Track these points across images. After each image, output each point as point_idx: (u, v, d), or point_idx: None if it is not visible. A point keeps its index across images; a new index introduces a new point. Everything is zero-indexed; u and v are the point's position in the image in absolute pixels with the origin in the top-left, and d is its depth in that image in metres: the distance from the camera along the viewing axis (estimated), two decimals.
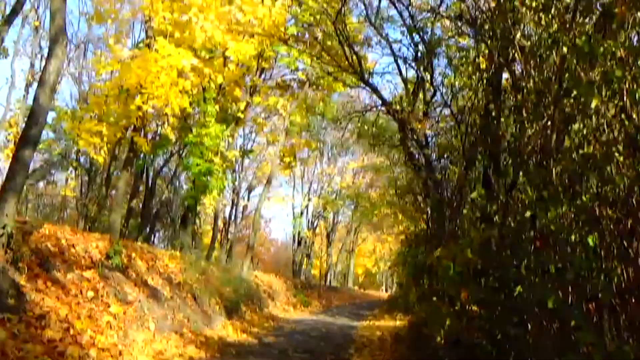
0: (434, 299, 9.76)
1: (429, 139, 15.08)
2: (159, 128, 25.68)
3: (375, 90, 15.29)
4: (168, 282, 14.87)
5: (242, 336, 15.65)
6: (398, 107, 14.60)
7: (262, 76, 25.75)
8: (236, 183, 42.53)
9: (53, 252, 10.31)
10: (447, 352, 7.22)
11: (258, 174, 44.31)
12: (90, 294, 10.21)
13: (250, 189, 46.55)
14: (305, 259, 44.28)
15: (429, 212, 14.48)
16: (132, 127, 21.29)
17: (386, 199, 33.93)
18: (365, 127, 25.94)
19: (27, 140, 8.48)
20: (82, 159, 36.58)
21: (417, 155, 15.25)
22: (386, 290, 66.66)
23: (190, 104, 23.58)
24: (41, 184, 46.44)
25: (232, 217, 45.37)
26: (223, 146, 25.16)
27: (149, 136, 29.33)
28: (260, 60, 24.65)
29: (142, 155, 27.24)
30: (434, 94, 15.46)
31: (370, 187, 38.62)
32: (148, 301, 12.51)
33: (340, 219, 49.95)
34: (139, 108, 19.24)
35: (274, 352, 13.23)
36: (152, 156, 29.59)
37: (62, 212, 41.52)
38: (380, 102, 15.74)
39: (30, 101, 35.56)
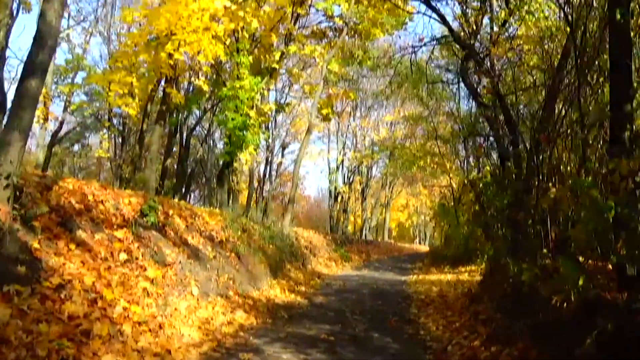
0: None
1: (499, 70, 12.88)
2: (192, 79, 23.69)
3: (439, 14, 12.98)
4: (209, 241, 13.14)
5: (290, 296, 13.96)
6: (463, 34, 12.40)
7: (297, 24, 23.56)
8: (270, 140, 40.80)
9: (78, 210, 8.53)
10: (577, 320, 5.25)
11: (292, 130, 42.49)
12: (123, 256, 8.45)
13: (284, 147, 44.79)
14: (342, 214, 42.52)
15: (500, 153, 12.32)
16: (164, 78, 19.45)
17: (428, 148, 31.79)
18: (403, 73, 23.89)
19: (33, 68, 6.59)
20: (115, 121, 35.22)
21: (479, 91, 13.08)
22: (419, 243, 64.95)
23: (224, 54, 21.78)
24: (76, 147, 45.25)
25: (267, 175, 43.76)
26: (258, 99, 23.21)
27: (182, 89, 27.65)
28: (295, 7, 22.51)
29: (175, 111, 25.57)
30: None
31: (407, 139, 36.35)
32: (189, 262, 10.78)
33: (374, 173, 48.03)
34: (170, 56, 17.37)
35: (329, 314, 11.47)
36: (185, 112, 27.80)
37: (97, 175, 40.28)
38: (444, 29, 13.45)
39: (58, 60, 34.08)
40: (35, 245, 6.55)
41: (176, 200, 15.06)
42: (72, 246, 7.41)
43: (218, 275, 11.90)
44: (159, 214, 11.06)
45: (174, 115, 25.95)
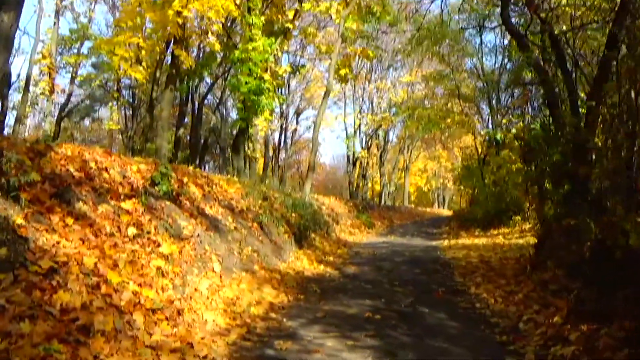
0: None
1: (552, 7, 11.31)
2: (203, 41, 22.25)
3: None
4: (229, 211, 11.91)
5: (319, 268, 12.75)
6: None
7: None
8: (284, 107, 39.46)
9: (77, 179, 7.27)
10: None
11: (306, 95, 41.06)
12: (132, 231, 7.19)
13: (298, 113, 43.50)
14: (362, 180, 41.20)
15: (550, 102, 10.82)
16: (173, 39, 18.06)
17: (450, 108, 30.27)
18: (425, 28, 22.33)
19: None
20: (124, 92, 33.99)
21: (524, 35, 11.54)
22: (439, 207, 63.64)
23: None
24: (87, 122, 44.12)
25: (282, 143, 42.55)
26: (272, 61, 21.81)
27: (192, 54, 26.26)
28: None
29: (185, 77, 24.22)
30: None
31: (427, 99, 34.70)
32: (208, 235, 9.54)
33: (391, 138, 46.58)
34: (179, 14, 15.99)
35: (366, 286, 10.23)
36: (196, 79, 26.39)
37: (109, 148, 39.13)
38: None
39: (62, 29, 32.67)
40: (19, 220, 5.27)
41: (191, 168, 13.80)
42: (70, 221, 6.16)
43: (241, 248, 10.68)
44: (172, 182, 9.79)
45: (185, 82, 24.59)
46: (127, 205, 7.73)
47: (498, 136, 16.56)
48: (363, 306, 8.26)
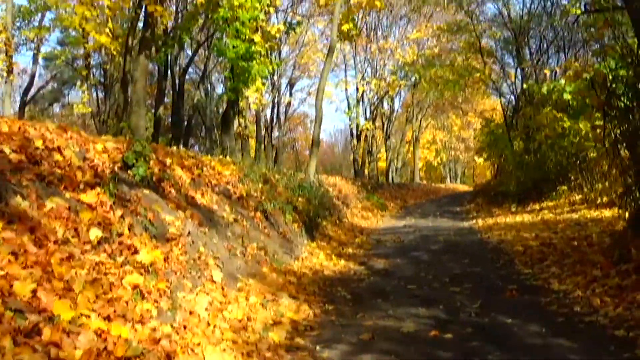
0: None
1: None
2: None
3: None
4: (226, 198, 10.23)
5: (339, 263, 11.10)
6: None
7: None
8: (275, 77, 37.54)
9: (15, 163, 5.51)
10: None
11: (300, 62, 39.11)
12: (96, 233, 5.43)
13: (291, 83, 41.52)
14: (367, 156, 39.40)
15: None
16: None
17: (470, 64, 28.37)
18: None
19: None
20: (95, 72, 32.10)
21: None
22: (451, 182, 61.99)
23: None
24: (57, 108, 42.26)
25: (274, 120, 40.64)
26: (263, 20, 20.02)
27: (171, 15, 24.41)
28: None
29: (162, 45, 22.33)
30: None
31: (441, 56, 32.70)
32: (202, 232, 7.83)
33: (397, 107, 44.68)
34: None
35: (409, 287, 8.60)
36: (175, 46, 24.47)
37: None
38: None
39: None
40: None
41: (174, 148, 12.02)
42: None
43: (244, 245, 9.00)
44: (152, 164, 8.01)
45: (162, 50, 22.71)
46: (89, 197, 5.97)
47: (544, 89, 14.80)
48: (419, 318, 6.57)
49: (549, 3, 25.64)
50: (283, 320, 6.43)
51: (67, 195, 5.75)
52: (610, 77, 8.80)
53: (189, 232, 7.30)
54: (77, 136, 7.26)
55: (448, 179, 64.29)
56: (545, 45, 26.33)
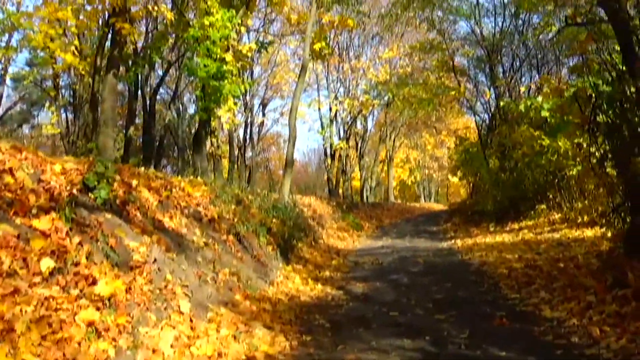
0: None
1: None
2: (150, 11, 19.81)
3: None
4: (196, 221, 9.67)
5: (316, 288, 10.59)
6: None
7: None
8: (248, 98, 37.12)
9: None
10: None
11: (272, 82, 38.78)
12: (48, 263, 4.88)
13: (264, 104, 41.13)
14: (342, 175, 39.02)
15: (624, 45, 8.58)
16: (112, 10, 15.59)
17: (444, 82, 28.16)
18: None
19: None
20: (64, 92, 31.38)
21: None
22: (425, 200, 61.80)
23: None
24: (26, 129, 41.37)
25: (247, 140, 40.12)
26: (234, 39, 19.61)
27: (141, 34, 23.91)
28: None
29: (132, 65, 21.80)
30: None
31: (413, 75, 32.55)
32: (169, 258, 7.27)
33: (370, 126, 44.51)
34: None
35: (391, 314, 8.11)
36: (145, 65, 23.89)
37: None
38: None
39: None
40: None
41: (142, 169, 11.43)
42: None
43: (215, 271, 8.45)
44: (116, 186, 7.46)
45: (132, 70, 22.14)
46: (42, 223, 5.41)
47: (521, 106, 14.50)
48: (404, 351, 6.08)
49: (520, 21, 25.70)
50: (257, 355, 5.90)
51: (17, 221, 5.19)
52: (595, 92, 8.45)
53: (155, 259, 6.74)
54: (32, 157, 6.68)
55: (422, 198, 64.10)
56: (518, 64, 26.27)
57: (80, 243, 5.61)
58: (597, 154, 9.06)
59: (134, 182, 8.40)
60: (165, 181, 10.32)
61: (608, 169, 8.84)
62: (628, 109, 8.00)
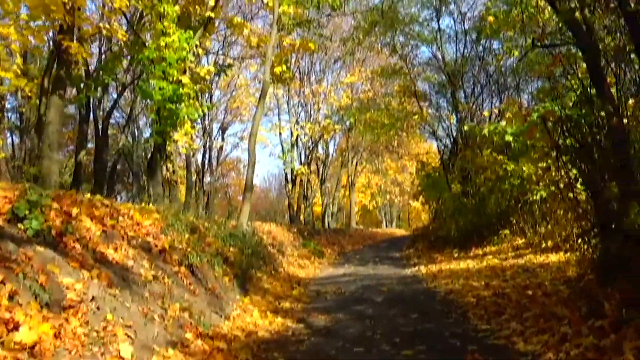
0: None
1: None
2: (102, 30, 19.22)
3: None
4: (145, 252, 9.01)
5: (275, 321, 9.96)
6: None
7: None
8: (207, 122, 36.57)
9: None
10: None
11: (232, 106, 38.27)
12: None
13: (223, 128, 40.60)
14: (303, 201, 38.54)
15: (593, 68, 8.25)
16: (59, 28, 14.91)
17: (406, 107, 27.99)
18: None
19: None
20: (10, 115, 30.50)
21: None
22: (387, 226, 61.59)
23: None
24: None
25: (206, 165, 39.47)
26: (191, 61, 19.17)
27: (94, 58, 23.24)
28: None
29: (83, 86, 21.10)
30: None
31: (375, 100, 32.38)
32: (111, 295, 6.62)
33: (332, 150, 44.29)
34: None
35: (356, 350, 7.54)
36: (98, 87, 23.22)
37: None
38: None
39: None
40: None
41: (87, 195, 10.70)
42: None
43: (164, 306, 7.78)
44: (52, 214, 6.80)
45: (82, 91, 21.42)
46: None
47: (485, 131, 14.22)
48: None
49: (481, 47, 25.84)
50: None
51: None
52: (563, 115, 8.10)
53: (94, 297, 6.09)
54: None
55: (384, 223, 63.89)
56: (479, 89, 26.34)
57: (2, 282, 4.95)
58: (564, 178, 8.70)
59: (74, 211, 7.74)
60: (112, 209, 9.65)
61: (576, 194, 8.49)
62: (597, 132, 7.66)
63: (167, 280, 8.63)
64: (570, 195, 8.51)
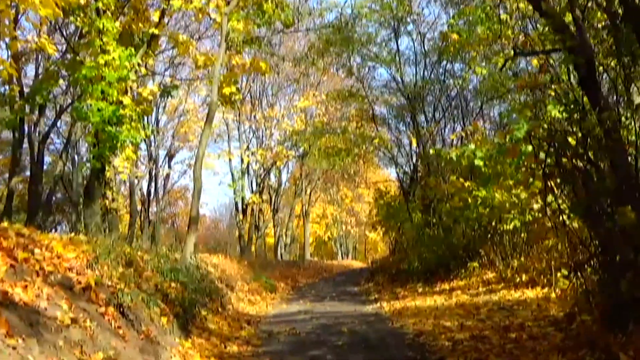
0: None
1: None
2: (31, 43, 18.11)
3: None
4: (65, 290, 7.70)
5: None
6: None
7: None
8: (152, 148, 35.23)
9: None
10: None
11: (179, 131, 37.02)
12: None
13: (170, 155, 39.18)
14: (255, 231, 37.31)
15: (584, 75, 7.34)
16: None
17: (364, 132, 27.22)
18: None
19: None
20: None
21: None
22: (343, 258, 60.49)
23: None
24: None
25: (152, 194, 37.90)
26: (133, 80, 18.10)
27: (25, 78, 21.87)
28: None
29: (13, 105, 19.79)
30: None
31: (331, 125, 31.56)
32: (11, 345, 5.35)
33: (284, 179, 43.30)
34: None
35: None
36: (31, 109, 21.87)
37: None
38: None
39: None
40: None
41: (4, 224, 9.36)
42: None
43: (83, 357, 6.51)
44: None
45: (13, 114, 20.07)
46: None
47: (453, 154, 13.35)
48: None
49: (441, 70, 25.42)
50: None
51: None
52: (554, 131, 7.16)
53: None
54: None
55: (340, 255, 62.79)
56: (440, 113, 25.79)
57: None
58: (553, 204, 7.74)
59: None
60: (28, 239, 8.37)
61: (569, 221, 7.53)
62: (594, 149, 6.74)
63: (89, 324, 7.35)
64: (560, 222, 7.53)
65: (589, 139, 6.84)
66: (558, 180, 7.34)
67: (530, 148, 7.48)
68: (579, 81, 7.50)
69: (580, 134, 6.85)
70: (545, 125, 7.18)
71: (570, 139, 7.05)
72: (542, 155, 7.53)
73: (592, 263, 7.22)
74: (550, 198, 7.71)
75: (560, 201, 7.44)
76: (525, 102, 10.37)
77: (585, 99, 7.30)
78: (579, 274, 7.36)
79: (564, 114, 7.11)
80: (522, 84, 10.58)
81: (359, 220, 58.37)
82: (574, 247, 7.72)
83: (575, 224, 7.58)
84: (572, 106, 7.20)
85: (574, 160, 6.92)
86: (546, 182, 7.39)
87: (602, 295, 6.85)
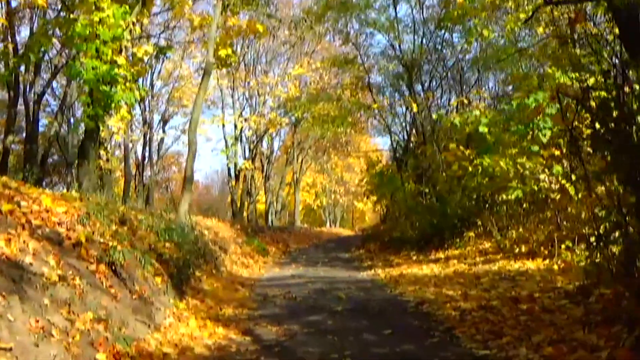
0: None
1: None
2: None
3: None
4: (52, 245, 6.95)
5: (217, 333, 8.07)
6: None
7: None
8: (147, 113, 34.19)
9: None
10: None
11: (174, 96, 35.98)
12: None
13: (165, 120, 38.13)
14: (247, 197, 36.55)
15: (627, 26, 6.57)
16: None
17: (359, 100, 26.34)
18: None
19: None
20: None
21: None
22: (330, 226, 59.88)
23: None
24: None
25: (147, 158, 36.93)
26: (127, 39, 17.10)
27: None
28: None
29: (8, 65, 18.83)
30: None
31: (324, 92, 30.58)
32: None
33: (275, 149, 42.48)
34: None
35: None
36: (25, 66, 20.86)
37: None
38: None
39: None
40: None
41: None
42: None
43: (70, 317, 5.76)
44: None
45: (7, 69, 19.07)
46: None
47: (456, 120, 12.53)
48: None
49: (438, 39, 24.58)
50: None
51: None
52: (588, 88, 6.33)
53: None
54: None
55: (328, 223, 62.11)
56: (437, 81, 24.97)
57: None
58: (579, 169, 6.91)
59: None
60: (14, 192, 7.55)
61: (600, 187, 6.72)
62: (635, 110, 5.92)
63: (78, 282, 6.61)
64: (583, 189, 6.74)
65: (627, 97, 6.02)
66: (590, 143, 6.50)
67: (555, 108, 6.67)
68: (618, 34, 6.67)
69: (615, 92, 6.02)
70: (575, 82, 6.36)
71: (605, 96, 6.21)
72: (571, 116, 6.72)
73: (618, 233, 6.47)
74: (572, 163, 6.92)
75: (587, 166, 6.64)
76: (554, 56, 9.42)
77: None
78: (601, 244, 6.61)
79: (599, 67, 6.29)
80: (555, 35, 9.68)
81: (347, 190, 57.71)
82: (595, 216, 6.95)
83: (600, 191, 6.80)
84: (610, 60, 6.38)
85: (607, 120, 6.10)
86: (575, 144, 6.58)
87: (629, 267, 6.09)
